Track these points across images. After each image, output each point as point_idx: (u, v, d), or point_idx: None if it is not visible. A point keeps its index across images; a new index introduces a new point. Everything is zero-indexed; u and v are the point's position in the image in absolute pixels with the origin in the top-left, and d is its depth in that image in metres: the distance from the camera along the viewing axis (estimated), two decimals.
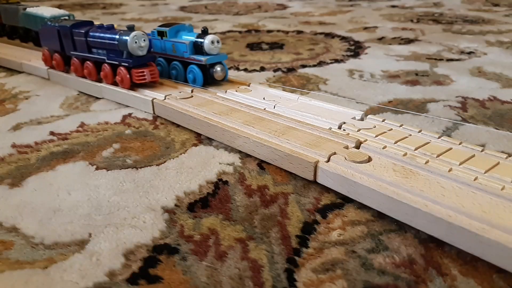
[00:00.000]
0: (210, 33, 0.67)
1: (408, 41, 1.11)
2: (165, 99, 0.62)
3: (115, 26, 0.71)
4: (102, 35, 0.67)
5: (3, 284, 0.33)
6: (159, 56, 0.72)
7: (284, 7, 1.85)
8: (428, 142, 0.46)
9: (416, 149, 0.44)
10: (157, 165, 0.49)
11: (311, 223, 0.39)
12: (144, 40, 0.63)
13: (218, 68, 0.66)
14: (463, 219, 0.33)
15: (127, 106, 0.67)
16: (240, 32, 1.28)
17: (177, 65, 0.69)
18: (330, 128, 0.50)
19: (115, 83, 0.69)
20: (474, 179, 0.38)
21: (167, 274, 0.33)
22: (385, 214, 0.38)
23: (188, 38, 0.67)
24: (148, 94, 0.64)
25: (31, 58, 0.89)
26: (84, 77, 0.74)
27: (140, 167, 0.49)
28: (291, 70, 0.87)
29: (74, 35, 0.72)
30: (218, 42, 0.66)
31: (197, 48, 0.66)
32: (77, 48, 0.72)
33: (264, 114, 0.55)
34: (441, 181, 0.38)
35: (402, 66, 0.88)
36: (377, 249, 0.35)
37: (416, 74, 0.82)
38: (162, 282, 0.33)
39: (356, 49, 1.04)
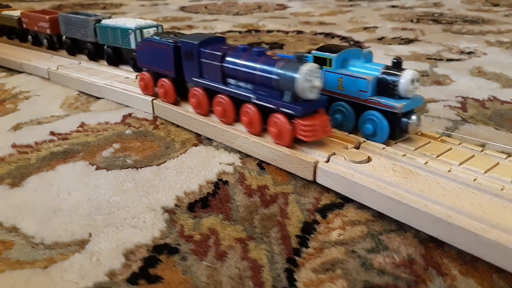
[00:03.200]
0: (405, 68, 0.46)
1: (408, 41, 1.11)
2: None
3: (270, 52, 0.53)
4: (249, 63, 0.48)
5: (3, 284, 0.33)
6: None
7: (284, 7, 1.85)
8: (428, 142, 0.46)
9: (416, 149, 0.44)
10: (157, 165, 0.49)
11: (311, 223, 0.39)
12: (318, 77, 0.44)
13: (413, 117, 0.45)
14: (463, 219, 0.33)
15: (127, 106, 0.67)
16: (240, 32, 1.28)
17: (344, 108, 0.49)
18: None
19: (260, 131, 0.50)
20: (474, 179, 0.38)
21: (167, 274, 0.33)
22: (385, 214, 0.38)
23: (368, 71, 0.47)
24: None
25: (31, 58, 0.89)
26: (202, 114, 0.56)
27: (140, 167, 0.49)
28: None
29: (202, 56, 0.53)
30: (418, 80, 0.45)
31: (384, 87, 0.46)
32: (204, 75, 0.54)
33: None
34: (441, 181, 0.39)
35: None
36: (377, 249, 0.35)
37: None
38: (162, 282, 0.33)
39: None
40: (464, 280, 0.32)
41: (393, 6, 1.80)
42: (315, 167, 0.43)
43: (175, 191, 0.44)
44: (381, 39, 1.14)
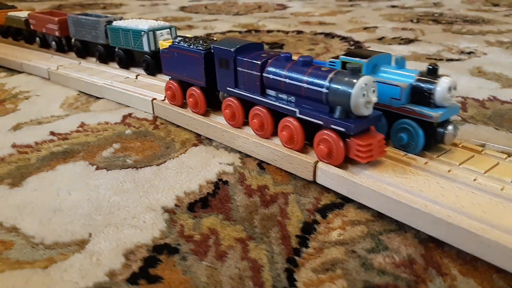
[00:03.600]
0: (441, 75, 0.43)
1: (408, 41, 1.11)
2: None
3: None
4: (294, 74, 0.44)
5: (3, 284, 0.33)
6: None
7: (284, 7, 1.85)
8: None
9: None
10: (157, 165, 0.49)
11: (311, 223, 0.39)
12: (374, 91, 0.40)
13: (450, 127, 0.43)
14: (463, 219, 0.33)
15: (127, 106, 0.67)
16: (240, 32, 1.28)
17: None
18: None
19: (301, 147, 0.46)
20: (474, 179, 0.38)
21: (167, 274, 0.33)
22: (385, 214, 0.38)
23: (401, 78, 0.44)
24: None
25: (31, 58, 0.89)
26: (236, 126, 0.52)
27: (140, 167, 0.49)
28: None
29: (238, 65, 0.49)
30: (455, 88, 0.43)
31: (419, 95, 0.43)
32: (239, 85, 0.50)
33: None
34: (440, 181, 0.39)
35: None
36: (377, 249, 0.35)
37: None
38: (162, 282, 0.33)
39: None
40: (464, 280, 0.32)
41: (393, 6, 1.80)
42: (315, 167, 0.43)
43: (175, 191, 0.44)
44: (381, 39, 1.14)
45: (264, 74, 0.46)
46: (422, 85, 0.43)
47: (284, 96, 0.46)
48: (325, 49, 1.04)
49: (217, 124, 0.53)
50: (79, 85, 0.75)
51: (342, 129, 0.40)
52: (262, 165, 0.49)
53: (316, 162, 0.43)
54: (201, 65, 0.53)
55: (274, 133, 0.48)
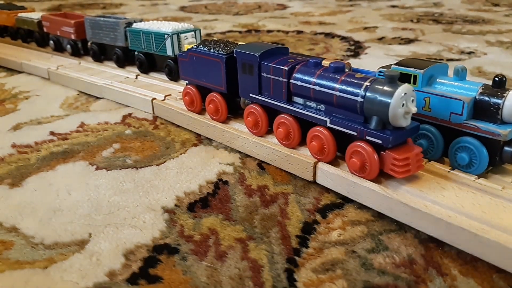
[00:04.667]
0: (509, 88, 0.39)
1: (408, 41, 1.11)
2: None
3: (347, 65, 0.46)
4: (325, 82, 0.41)
5: (3, 284, 0.33)
6: None
7: (284, 7, 1.85)
8: None
9: None
10: (157, 165, 0.49)
11: (311, 223, 0.39)
12: (413, 100, 0.38)
13: None
14: (463, 219, 0.33)
15: (127, 106, 0.67)
16: (240, 32, 1.28)
17: (430, 132, 0.42)
18: None
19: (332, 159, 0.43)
20: (474, 180, 0.38)
21: (167, 274, 0.33)
22: (385, 214, 0.38)
23: (462, 90, 0.41)
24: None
25: (31, 58, 0.89)
26: (259, 134, 0.50)
27: (140, 167, 0.49)
28: None
29: (263, 70, 0.47)
30: None
31: (483, 110, 0.39)
32: (263, 91, 0.48)
33: None
34: (441, 181, 0.38)
35: None
36: (377, 249, 0.35)
37: None
38: (162, 282, 0.33)
39: (356, 49, 1.04)
40: (464, 280, 0.32)
41: (393, 6, 1.80)
42: (315, 168, 0.43)
43: (175, 191, 0.44)
44: (381, 39, 1.14)
45: (291, 81, 0.44)
46: (488, 99, 0.39)
47: (312, 104, 0.43)
48: (325, 49, 1.04)
49: (217, 124, 0.53)
50: (79, 85, 0.75)
51: (379, 141, 0.37)
52: (262, 165, 0.49)
53: (316, 163, 0.43)
54: (222, 70, 0.50)
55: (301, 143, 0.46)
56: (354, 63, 0.91)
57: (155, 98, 0.63)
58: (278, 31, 1.28)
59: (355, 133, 0.39)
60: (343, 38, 1.16)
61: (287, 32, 1.26)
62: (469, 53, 0.98)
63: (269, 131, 0.50)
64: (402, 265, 0.34)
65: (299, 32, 1.26)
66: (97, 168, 0.49)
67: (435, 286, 0.31)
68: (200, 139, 0.56)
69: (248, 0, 2.07)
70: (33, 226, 0.39)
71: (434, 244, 0.35)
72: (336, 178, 0.41)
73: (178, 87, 0.67)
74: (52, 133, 0.59)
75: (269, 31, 1.28)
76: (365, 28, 1.31)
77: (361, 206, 0.41)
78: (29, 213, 0.41)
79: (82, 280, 0.33)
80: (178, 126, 0.59)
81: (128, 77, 0.73)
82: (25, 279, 0.33)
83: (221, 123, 0.53)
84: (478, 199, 0.36)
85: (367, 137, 0.38)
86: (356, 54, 0.99)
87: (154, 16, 1.63)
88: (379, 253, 0.35)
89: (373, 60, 0.93)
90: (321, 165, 0.43)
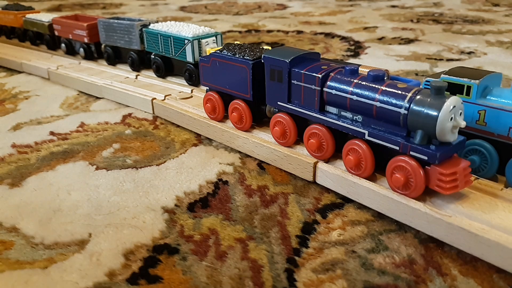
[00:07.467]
0: None
1: (408, 41, 1.11)
2: None
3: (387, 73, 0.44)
4: (364, 92, 0.39)
5: (3, 284, 0.33)
6: None
7: (284, 7, 1.85)
8: None
9: None
10: (157, 165, 0.49)
11: (311, 223, 0.39)
12: (461, 114, 0.35)
13: None
14: (463, 219, 0.33)
15: (127, 106, 0.67)
16: (240, 32, 1.28)
17: (484, 148, 0.39)
18: None
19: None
20: (474, 180, 0.38)
21: (167, 274, 0.33)
22: (385, 214, 0.38)
23: None
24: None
25: (31, 58, 0.89)
26: (287, 145, 0.47)
27: (140, 167, 0.49)
28: None
29: (293, 77, 0.44)
30: None
31: None
32: (292, 100, 0.45)
33: None
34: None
35: (402, 66, 0.88)
36: (377, 249, 0.35)
37: (416, 74, 0.82)
38: (162, 282, 0.33)
39: (356, 49, 1.04)
40: (464, 280, 0.32)
41: (393, 6, 1.80)
42: (314, 168, 0.43)
43: (175, 191, 0.44)
44: (381, 39, 1.14)
45: (325, 89, 0.41)
46: None
47: (348, 115, 0.40)
48: (325, 49, 1.04)
49: (217, 124, 0.53)
50: (79, 85, 0.75)
51: (424, 157, 0.34)
52: (262, 165, 0.49)
53: (316, 163, 0.43)
54: (248, 77, 0.48)
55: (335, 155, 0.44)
56: (354, 63, 0.91)
57: (155, 98, 0.63)
58: (278, 31, 1.28)
59: (397, 148, 0.36)
60: (343, 38, 1.16)
61: (287, 32, 1.26)
62: (469, 53, 0.98)
63: (298, 141, 0.47)
64: (402, 265, 0.34)
65: (299, 32, 1.26)
66: (97, 168, 0.49)
67: (435, 286, 0.31)
68: (200, 139, 0.56)
69: (248, 0, 2.07)
70: (33, 226, 0.39)
71: (434, 244, 0.35)
72: (336, 178, 0.41)
73: (178, 87, 0.67)
74: (52, 133, 0.59)
75: (269, 31, 1.28)
76: (365, 28, 1.31)
77: (361, 206, 0.41)
78: (29, 213, 0.41)
79: (82, 280, 0.33)
80: (178, 126, 0.59)
81: (128, 77, 0.73)
82: (25, 279, 0.33)
83: (245, 131, 0.51)
84: (478, 199, 0.36)
85: (412, 153, 0.35)
86: (356, 54, 0.99)
87: (154, 16, 1.62)
88: (379, 253, 0.35)
89: (373, 60, 0.93)
90: (321, 165, 0.43)
